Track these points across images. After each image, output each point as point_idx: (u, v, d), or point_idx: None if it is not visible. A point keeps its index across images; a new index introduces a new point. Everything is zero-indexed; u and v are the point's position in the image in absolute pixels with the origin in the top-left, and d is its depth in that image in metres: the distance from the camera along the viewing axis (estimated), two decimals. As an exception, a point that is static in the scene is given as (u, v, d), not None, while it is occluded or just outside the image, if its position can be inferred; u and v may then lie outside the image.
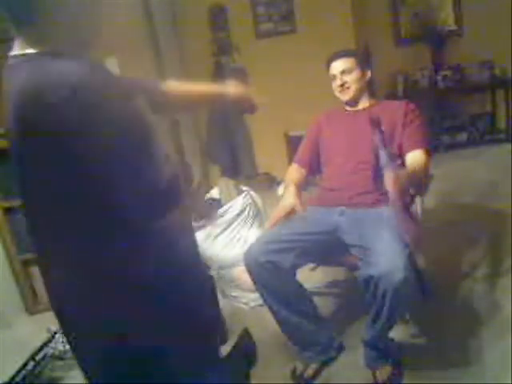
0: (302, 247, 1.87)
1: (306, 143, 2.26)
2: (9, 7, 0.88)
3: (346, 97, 2.14)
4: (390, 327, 1.75)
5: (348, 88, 2.12)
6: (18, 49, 0.92)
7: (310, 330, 1.89)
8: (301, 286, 1.90)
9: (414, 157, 1.96)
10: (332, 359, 1.93)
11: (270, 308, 1.88)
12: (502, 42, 4.21)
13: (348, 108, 2.19)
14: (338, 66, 2.14)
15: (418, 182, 1.79)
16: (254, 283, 1.86)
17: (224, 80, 4.14)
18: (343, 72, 2.12)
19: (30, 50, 0.90)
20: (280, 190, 2.31)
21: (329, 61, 2.18)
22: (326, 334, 1.94)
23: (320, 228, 1.95)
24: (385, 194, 1.94)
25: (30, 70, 0.88)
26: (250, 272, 1.85)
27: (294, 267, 1.85)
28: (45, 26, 0.90)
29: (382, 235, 1.72)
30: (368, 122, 1.69)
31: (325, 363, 1.92)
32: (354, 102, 2.15)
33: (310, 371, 1.88)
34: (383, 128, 1.60)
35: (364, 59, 2.18)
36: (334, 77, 2.15)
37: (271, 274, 1.79)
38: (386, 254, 1.63)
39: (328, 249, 1.95)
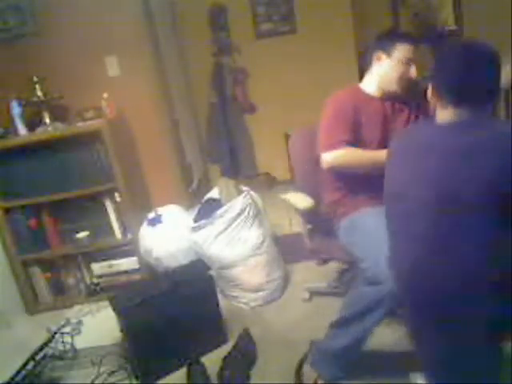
0: None
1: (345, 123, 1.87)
2: None
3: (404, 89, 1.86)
4: None
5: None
6: None
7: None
8: None
9: None
10: None
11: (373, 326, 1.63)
12: (502, 42, 4.21)
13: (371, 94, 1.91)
14: (416, 52, 1.80)
15: None
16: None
17: (224, 80, 4.18)
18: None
19: None
20: (288, 196, 2.11)
21: (408, 38, 1.80)
22: None
23: None
24: None
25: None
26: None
27: None
28: None
29: None
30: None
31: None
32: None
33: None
34: None
35: None
36: (411, 61, 1.79)
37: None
38: None
39: None
